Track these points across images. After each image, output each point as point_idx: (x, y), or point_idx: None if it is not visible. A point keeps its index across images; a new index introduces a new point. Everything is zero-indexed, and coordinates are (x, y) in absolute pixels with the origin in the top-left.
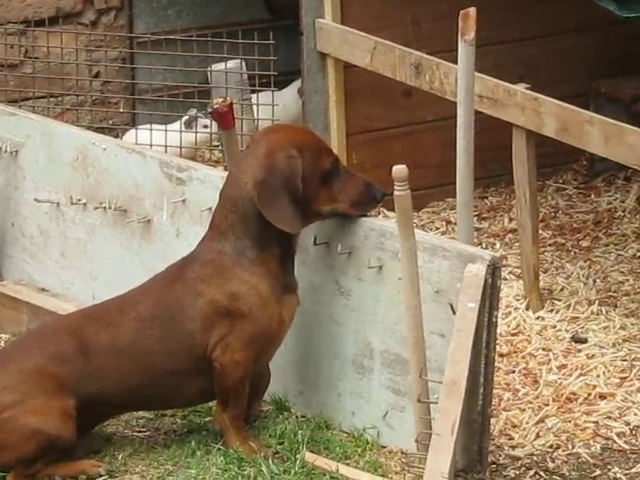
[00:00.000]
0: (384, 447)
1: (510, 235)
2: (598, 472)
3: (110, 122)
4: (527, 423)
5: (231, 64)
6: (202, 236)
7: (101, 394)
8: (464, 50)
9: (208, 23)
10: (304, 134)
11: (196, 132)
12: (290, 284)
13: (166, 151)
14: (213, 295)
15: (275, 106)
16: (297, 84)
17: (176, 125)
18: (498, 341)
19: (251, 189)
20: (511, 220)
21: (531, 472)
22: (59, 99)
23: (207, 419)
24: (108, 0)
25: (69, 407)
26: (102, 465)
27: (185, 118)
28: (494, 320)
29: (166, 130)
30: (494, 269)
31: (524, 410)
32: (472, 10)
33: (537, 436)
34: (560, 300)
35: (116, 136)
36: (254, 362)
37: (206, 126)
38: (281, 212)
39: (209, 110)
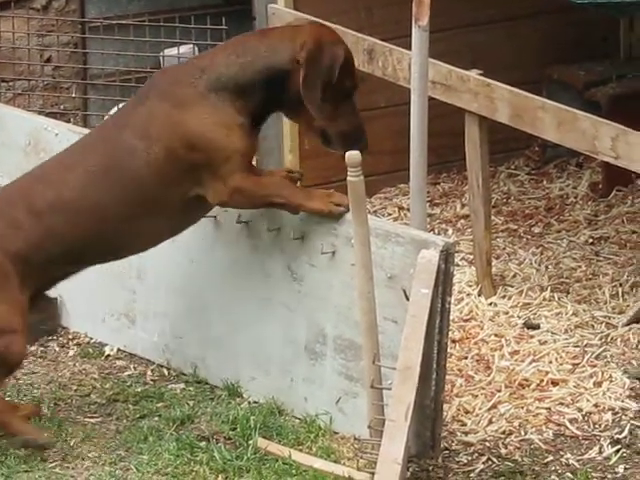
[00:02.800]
0: (337, 433)
1: (462, 221)
2: (550, 458)
3: (62, 107)
4: (480, 409)
5: (183, 49)
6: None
7: (59, 252)
8: (418, 36)
9: (160, 8)
10: (347, 46)
11: None
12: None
13: None
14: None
15: None
16: None
17: None
18: (451, 327)
19: (293, 56)
20: (463, 206)
21: (484, 458)
22: (10, 84)
23: (159, 404)
24: None
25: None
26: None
27: None
28: (447, 306)
29: None
30: (447, 255)
31: (477, 396)
32: None
33: (490, 422)
34: (512, 286)
35: (68, 121)
36: (247, 170)
37: None
38: (314, 94)
39: None
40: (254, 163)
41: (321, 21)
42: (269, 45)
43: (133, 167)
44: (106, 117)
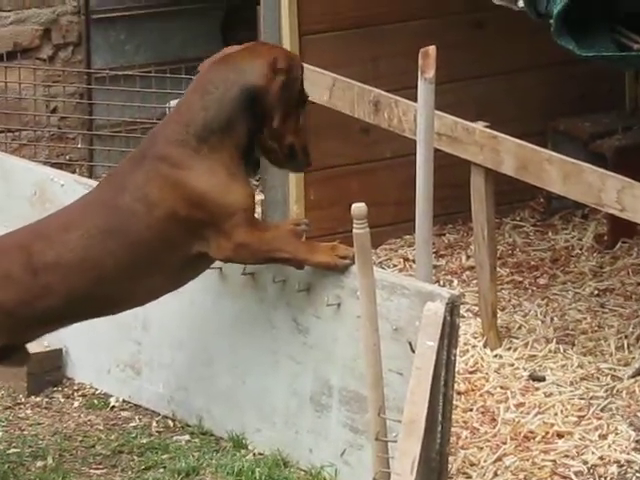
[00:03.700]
0: None
1: (467, 272)
2: None
3: (67, 157)
4: (485, 461)
5: None
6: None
7: (48, 311)
8: (424, 88)
9: (166, 59)
10: (297, 57)
11: None
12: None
13: None
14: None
15: None
16: None
17: None
18: (456, 379)
19: (263, 71)
20: (468, 257)
21: None
22: (16, 134)
23: (164, 456)
24: (66, 35)
25: None
26: None
27: None
28: (453, 358)
29: None
30: (453, 307)
31: (482, 448)
32: (432, 48)
33: (495, 475)
34: (518, 338)
35: (73, 172)
36: (251, 225)
37: None
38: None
39: None
40: (258, 215)
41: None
42: (235, 68)
43: (134, 230)
44: (104, 177)
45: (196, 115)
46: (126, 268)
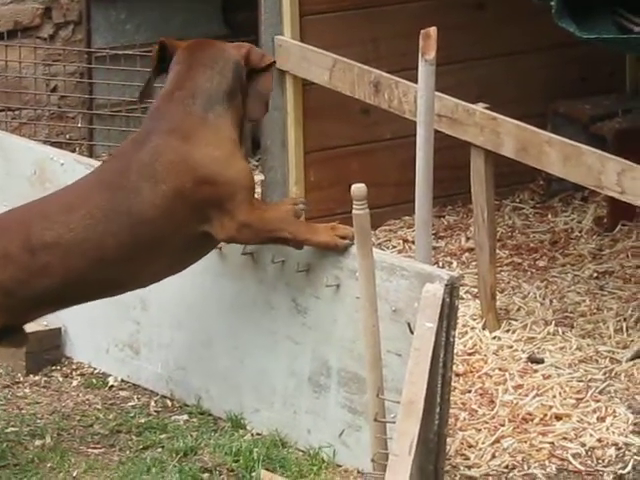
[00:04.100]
0: (340, 466)
1: (467, 254)
2: None
3: (67, 137)
4: (483, 443)
5: None
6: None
7: (47, 291)
8: (424, 69)
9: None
10: None
11: None
12: None
13: None
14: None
15: None
16: None
17: None
18: (454, 361)
19: (239, 54)
20: (468, 239)
21: None
22: (16, 113)
23: (162, 436)
24: (66, 14)
25: None
26: None
27: None
28: (451, 340)
29: None
30: (452, 289)
31: (480, 430)
32: (433, 30)
33: (493, 456)
34: (517, 320)
35: (73, 151)
36: (252, 204)
37: None
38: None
39: None
40: (258, 196)
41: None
42: (219, 49)
43: (138, 209)
44: (107, 157)
45: (202, 87)
46: (128, 249)
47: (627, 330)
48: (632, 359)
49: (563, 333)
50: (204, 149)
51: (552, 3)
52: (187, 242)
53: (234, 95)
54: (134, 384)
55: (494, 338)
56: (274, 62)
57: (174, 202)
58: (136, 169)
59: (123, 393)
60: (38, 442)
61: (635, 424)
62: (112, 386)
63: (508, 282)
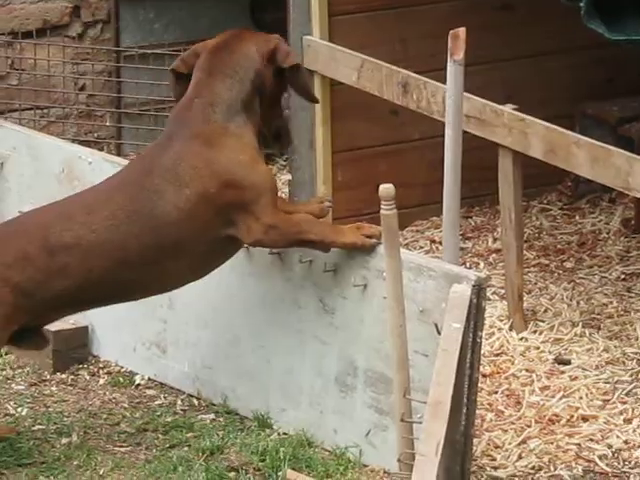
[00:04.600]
0: (366, 466)
1: (494, 255)
2: None
3: (95, 135)
4: (509, 444)
5: None
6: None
7: (65, 293)
8: (453, 70)
9: (195, 37)
10: None
11: None
12: None
13: None
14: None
15: None
16: None
17: None
18: (481, 362)
19: (261, 56)
20: (495, 240)
21: None
22: (45, 111)
23: (189, 434)
24: (95, 13)
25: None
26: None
27: None
28: (478, 340)
29: None
30: (479, 290)
31: (506, 431)
32: (462, 30)
33: (519, 457)
34: (544, 321)
35: (101, 149)
36: (277, 206)
37: None
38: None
39: None
40: (285, 196)
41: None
42: (243, 54)
43: (162, 211)
44: (130, 160)
45: (221, 97)
46: (151, 251)
47: None
48: None
49: (590, 335)
50: (227, 154)
51: (581, 4)
52: (210, 246)
53: (252, 103)
54: (161, 383)
55: (521, 339)
56: (297, 65)
57: (198, 206)
58: (159, 173)
59: (150, 392)
60: (65, 440)
61: None
62: (139, 385)
63: (535, 283)
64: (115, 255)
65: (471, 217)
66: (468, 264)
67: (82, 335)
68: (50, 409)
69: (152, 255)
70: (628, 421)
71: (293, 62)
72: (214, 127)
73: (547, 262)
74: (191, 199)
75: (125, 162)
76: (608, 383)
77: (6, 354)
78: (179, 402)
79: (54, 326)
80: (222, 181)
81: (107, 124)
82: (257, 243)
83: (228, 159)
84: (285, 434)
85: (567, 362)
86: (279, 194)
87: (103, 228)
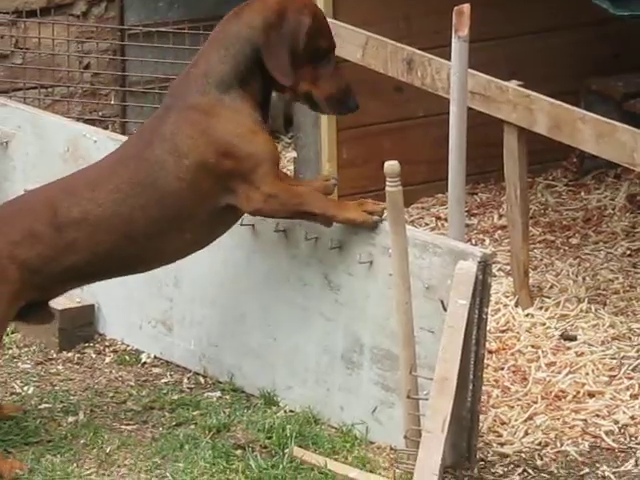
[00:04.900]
0: (373, 443)
1: (500, 232)
2: (586, 470)
3: (100, 114)
4: (516, 420)
5: None
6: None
7: (73, 268)
8: (457, 46)
9: (200, 15)
10: (318, 6)
11: None
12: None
13: None
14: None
15: None
16: None
17: None
18: (487, 338)
19: (259, 29)
20: (501, 217)
21: (519, 469)
22: (49, 90)
23: (195, 412)
24: None
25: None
26: (23, 467)
27: None
28: (484, 317)
29: None
30: (485, 266)
31: (513, 407)
32: (466, 7)
33: (526, 433)
34: (549, 297)
35: (106, 128)
36: (278, 176)
37: None
38: (280, 61)
39: None
40: (290, 173)
41: None
42: (246, 24)
43: (164, 182)
44: (131, 134)
45: (214, 69)
46: (156, 222)
47: None
48: None
49: (596, 310)
50: (224, 124)
51: None
52: (212, 215)
53: (251, 76)
54: (167, 361)
55: (527, 315)
56: (332, 46)
57: (198, 175)
58: (158, 144)
59: (156, 370)
60: (71, 419)
61: None
62: (145, 363)
63: (541, 260)
64: (122, 228)
65: (476, 194)
66: (474, 241)
67: (88, 313)
68: (56, 387)
69: (157, 226)
70: (634, 397)
71: (324, 47)
72: (209, 98)
73: (553, 238)
74: (190, 169)
75: None
76: (614, 359)
77: (12, 333)
78: (185, 380)
79: (60, 304)
80: (219, 151)
81: (112, 102)
82: (257, 212)
83: (224, 129)
84: (291, 411)
85: (573, 338)
86: (285, 171)
87: (109, 202)
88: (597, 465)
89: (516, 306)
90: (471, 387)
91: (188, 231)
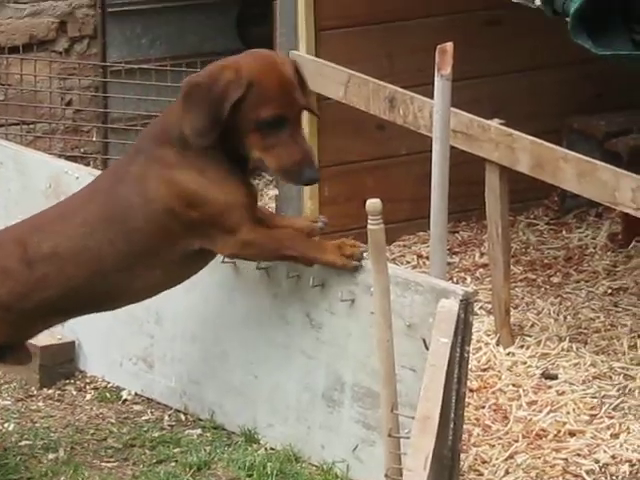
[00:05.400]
0: None
1: (481, 270)
2: None
3: (82, 150)
4: (497, 459)
5: None
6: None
7: (45, 304)
8: (440, 85)
9: (182, 52)
10: (275, 70)
11: None
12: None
13: None
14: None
15: None
16: None
17: None
18: (468, 376)
19: (222, 89)
20: (482, 255)
21: None
22: (31, 126)
23: (175, 450)
24: (82, 28)
25: None
26: None
27: None
28: (466, 355)
29: None
30: (467, 304)
31: (494, 446)
32: (449, 45)
33: (506, 472)
34: (531, 336)
35: (88, 164)
36: (254, 222)
37: None
38: (195, 120)
39: None
40: (273, 210)
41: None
42: (212, 79)
43: (132, 220)
44: (101, 172)
45: (176, 121)
46: (125, 258)
47: None
48: None
49: (577, 349)
50: (186, 176)
51: (568, 19)
52: (185, 256)
53: (214, 134)
54: (148, 398)
55: (508, 354)
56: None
57: (165, 219)
58: (128, 183)
59: (137, 407)
60: (52, 455)
61: None
62: (126, 400)
63: (522, 298)
64: (91, 262)
65: (458, 232)
66: (455, 279)
67: (69, 350)
68: (37, 424)
69: (126, 261)
70: (615, 436)
71: (263, 116)
72: (173, 151)
73: (534, 277)
74: (158, 213)
75: None
76: (595, 398)
77: None
78: (166, 417)
79: (41, 341)
80: (184, 202)
81: (94, 139)
82: (233, 256)
83: (187, 181)
84: (272, 449)
85: (554, 377)
86: (266, 209)
87: (79, 235)
88: None
89: (497, 345)
90: (452, 425)
91: (159, 268)
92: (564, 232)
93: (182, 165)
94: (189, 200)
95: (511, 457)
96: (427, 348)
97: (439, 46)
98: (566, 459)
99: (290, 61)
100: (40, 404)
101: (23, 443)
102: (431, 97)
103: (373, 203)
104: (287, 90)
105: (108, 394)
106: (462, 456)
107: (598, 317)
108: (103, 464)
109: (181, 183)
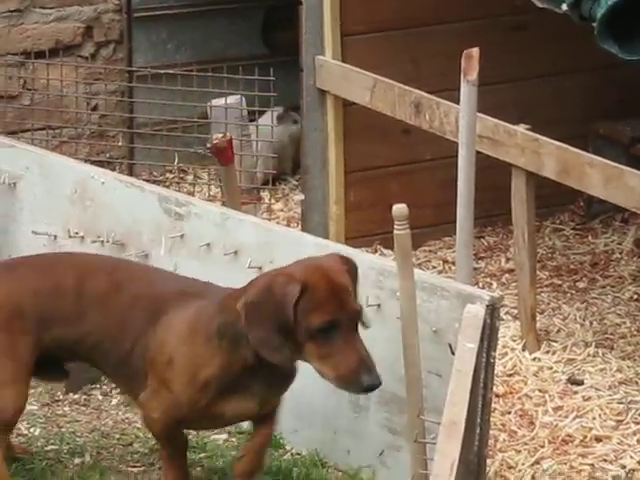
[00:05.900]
0: None
1: (507, 275)
2: None
3: (107, 155)
4: (523, 465)
5: (231, 100)
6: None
7: (70, 340)
8: (466, 90)
9: (208, 58)
10: (325, 275)
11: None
12: (253, 391)
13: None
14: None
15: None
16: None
17: (267, 118)
18: (494, 382)
19: (239, 308)
20: (508, 260)
21: None
22: (57, 131)
23: (201, 455)
24: (107, 33)
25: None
26: None
27: (278, 112)
28: (492, 361)
29: (257, 125)
30: (493, 310)
31: (520, 451)
32: (475, 50)
33: (533, 478)
34: (557, 341)
35: (113, 169)
36: (178, 423)
37: (296, 121)
38: (266, 340)
39: (208, 145)
40: (298, 216)
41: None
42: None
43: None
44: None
45: (217, 317)
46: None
47: None
48: None
49: (603, 355)
50: (187, 352)
51: (594, 24)
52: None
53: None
54: None
55: (534, 359)
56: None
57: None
58: (143, 306)
59: None
60: (78, 460)
61: None
62: None
63: (548, 303)
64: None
65: (484, 237)
66: (481, 284)
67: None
68: (63, 429)
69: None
70: None
71: (316, 324)
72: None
73: (560, 282)
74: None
75: (137, 182)
76: (621, 403)
77: None
78: None
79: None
80: (164, 359)
81: (119, 144)
82: (144, 418)
83: (185, 353)
84: (298, 454)
85: (580, 382)
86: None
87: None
88: None
89: (523, 350)
90: (478, 431)
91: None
92: (590, 237)
93: (193, 344)
94: (168, 359)
95: (537, 463)
96: (453, 353)
97: (465, 51)
98: (592, 464)
99: (343, 263)
100: (66, 409)
101: (49, 448)
102: (456, 101)
103: (399, 208)
104: (338, 295)
105: None
106: (488, 462)
107: (624, 322)
108: (129, 469)
109: (177, 354)
